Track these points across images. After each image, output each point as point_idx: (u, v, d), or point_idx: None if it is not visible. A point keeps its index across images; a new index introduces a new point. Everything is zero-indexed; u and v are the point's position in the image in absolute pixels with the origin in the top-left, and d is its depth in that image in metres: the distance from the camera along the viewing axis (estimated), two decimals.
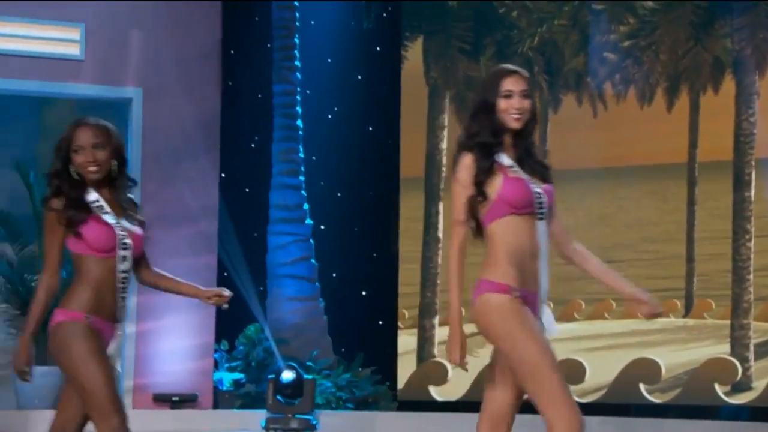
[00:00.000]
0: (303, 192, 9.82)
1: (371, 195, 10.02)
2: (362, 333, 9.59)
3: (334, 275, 9.90)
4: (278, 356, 8.45)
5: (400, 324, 9.84)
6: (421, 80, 10.07)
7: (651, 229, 9.31)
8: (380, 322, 9.89)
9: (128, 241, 4.12)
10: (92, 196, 4.13)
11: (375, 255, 9.97)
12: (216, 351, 8.72)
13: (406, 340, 9.78)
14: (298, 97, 9.77)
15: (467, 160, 3.99)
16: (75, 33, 8.51)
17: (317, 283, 9.29)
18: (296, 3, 9.81)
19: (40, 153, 9.05)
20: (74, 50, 8.50)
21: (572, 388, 9.06)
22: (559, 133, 9.57)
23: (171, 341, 8.38)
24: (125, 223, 4.16)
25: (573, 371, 9.13)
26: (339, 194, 10.05)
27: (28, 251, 8.68)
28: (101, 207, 4.12)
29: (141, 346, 8.33)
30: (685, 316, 9.05)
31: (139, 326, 8.32)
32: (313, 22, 10.07)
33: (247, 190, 9.56)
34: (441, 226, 9.92)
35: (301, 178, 9.81)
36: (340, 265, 9.90)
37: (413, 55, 10.14)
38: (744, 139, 8.91)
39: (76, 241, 4.07)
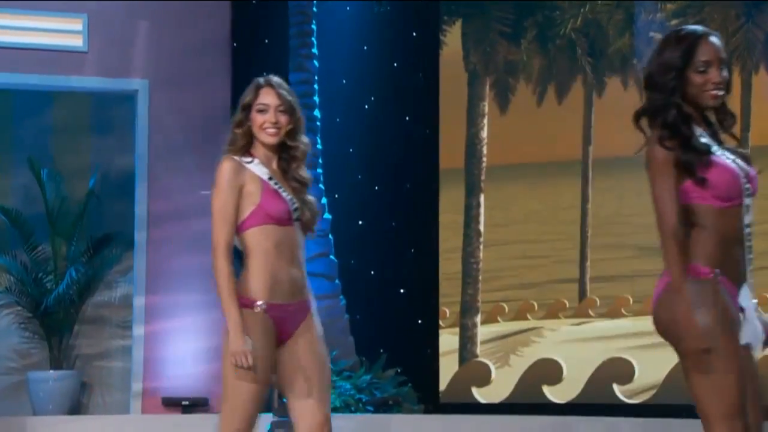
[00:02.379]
0: (321, 185, 9.69)
1: (409, 188, 9.89)
2: (394, 332, 9.46)
3: (372, 273, 9.78)
4: None
5: (441, 323, 9.70)
6: (460, 66, 9.95)
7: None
8: (419, 321, 9.75)
9: None
10: None
11: (413, 251, 9.84)
12: None
13: (448, 340, 9.66)
14: (316, 86, 9.65)
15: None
16: (77, 24, 8.49)
17: (337, 281, 9.18)
18: None
19: (53, 149, 9.04)
20: (77, 42, 8.50)
21: (620, 388, 8.97)
22: (604, 119, 9.41)
23: (182, 343, 8.33)
24: None
25: (621, 371, 9.01)
26: (376, 188, 9.93)
27: (41, 251, 8.67)
28: None
29: (150, 348, 8.29)
30: None
31: (148, 328, 8.27)
32: (348, 8, 9.93)
33: None
34: (482, 219, 9.78)
35: (319, 170, 9.69)
36: (376, 261, 9.79)
37: (452, 39, 10.02)
38: None
39: None
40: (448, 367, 9.59)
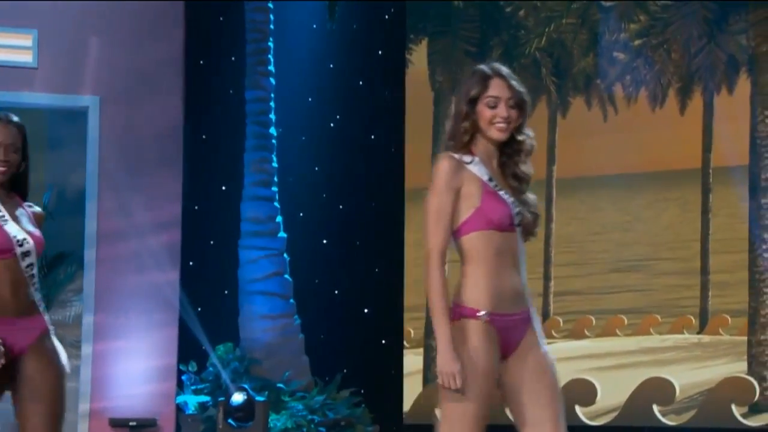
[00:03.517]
0: (276, 204, 9.71)
1: (374, 207, 9.90)
2: (355, 353, 9.49)
3: (336, 292, 9.81)
4: (226, 378, 8.42)
5: (405, 343, 9.74)
6: (426, 85, 10.00)
7: (665, 239, 9.16)
8: (383, 341, 9.77)
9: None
10: None
11: (378, 270, 9.85)
12: (183, 372, 8.67)
13: (412, 360, 9.69)
14: (272, 104, 9.67)
15: None
16: (27, 39, 8.46)
17: (292, 300, 9.23)
18: (270, 5, 9.73)
19: None
20: (27, 57, 8.46)
21: (583, 410, 9.02)
22: (567, 139, 9.48)
23: (130, 363, 8.31)
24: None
25: (584, 391, 9.04)
26: (341, 206, 9.95)
27: None
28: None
29: (98, 367, 8.26)
30: (700, 332, 8.88)
31: (96, 346, 8.26)
32: (314, 26, 9.98)
33: (214, 202, 9.53)
34: None
35: (274, 188, 9.72)
36: (340, 281, 9.81)
37: (418, 58, 10.08)
38: (761, 142, 8.72)
39: None
40: (412, 389, 9.61)
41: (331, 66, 10.07)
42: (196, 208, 9.26)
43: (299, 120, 9.92)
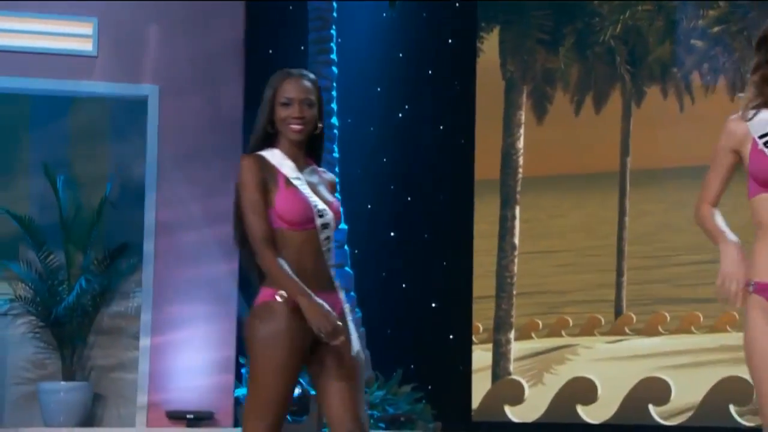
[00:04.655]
0: (337, 195, 9.60)
1: (443, 199, 9.88)
2: (423, 347, 9.44)
3: (403, 285, 9.76)
4: None
5: (474, 338, 9.67)
6: (497, 74, 9.96)
7: (744, 234, 8.94)
8: (451, 336, 9.71)
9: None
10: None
11: (446, 263, 9.81)
12: (243, 365, 8.66)
13: (481, 356, 9.65)
14: (334, 94, 9.67)
15: None
16: (88, 28, 8.49)
17: (353, 293, 9.20)
18: None
19: (70, 156, 9.08)
20: (87, 46, 8.48)
21: (656, 409, 8.85)
22: (642, 129, 9.38)
23: (188, 355, 8.32)
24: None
25: (657, 390, 8.96)
26: (409, 198, 9.92)
27: (54, 260, 8.71)
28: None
29: (156, 360, 8.29)
30: None
31: (155, 339, 8.27)
32: (384, 14, 9.94)
33: None
34: (517, 231, 9.74)
35: (337, 179, 9.63)
36: (408, 274, 9.76)
37: (489, 47, 10.03)
38: None
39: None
40: (480, 385, 9.59)
41: (401, 55, 10.07)
42: None
43: (366, 110, 9.94)
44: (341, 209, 4.09)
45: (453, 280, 9.72)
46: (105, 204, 8.76)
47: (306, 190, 3.95)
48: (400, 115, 10.01)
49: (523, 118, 9.81)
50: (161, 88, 8.43)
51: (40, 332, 8.63)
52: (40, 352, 8.69)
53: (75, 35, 8.41)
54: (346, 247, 9.49)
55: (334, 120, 9.66)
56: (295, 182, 3.93)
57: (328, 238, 3.99)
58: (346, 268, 9.45)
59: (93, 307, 8.68)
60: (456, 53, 10.02)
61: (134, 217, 8.55)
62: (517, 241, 9.73)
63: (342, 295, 4.05)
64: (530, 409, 9.39)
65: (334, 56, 9.63)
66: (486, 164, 9.85)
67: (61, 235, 8.65)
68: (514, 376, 9.55)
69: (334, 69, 9.67)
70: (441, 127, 9.97)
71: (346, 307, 4.03)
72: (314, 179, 4.04)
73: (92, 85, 8.37)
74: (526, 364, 9.52)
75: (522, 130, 9.81)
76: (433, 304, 9.74)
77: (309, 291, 3.80)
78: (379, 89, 9.97)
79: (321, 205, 3.96)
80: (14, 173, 9.06)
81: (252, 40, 9.02)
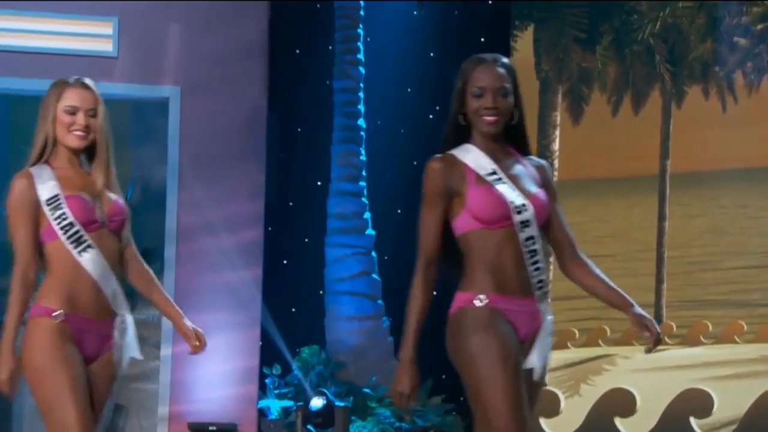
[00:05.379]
0: (364, 199, 9.70)
1: None
2: (447, 358, 9.31)
3: (434, 293, 9.62)
4: (305, 382, 8.32)
5: None
6: (532, 74, 9.89)
7: None
8: None
9: None
10: None
11: None
12: (267, 376, 8.63)
13: None
14: (361, 95, 9.65)
15: None
16: (107, 28, 8.45)
17: (380, 301, 9.16)
18: None
19: None
20: (106, 46, 8.45)
21: (698, 422, 8.72)
22: (683, 131, 9.29)
23: (211, 365, 8.27)
24: None
25: (699, 402, 8.85)
26: None
27: None
28: None
29: (177, 370, 8.27)
30: None
31: (176, 347, 8.19)
32: (415, 12, 9.86)
33: (299, 197, 9.50)
34: None
35: (362, 183, 9.69)
36: (438, 281, 9.61)
37: (523, 45, 10.01)
38: None
39: None
40: None
41: (431, 54, 10.02)
42: (280, 203, 9.26)
43: (396, 112, 9.91)
44: (547, 205, 3.83)
45: None
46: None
47: (502, 186, 3.76)
48: (431, 116, 9.89)
49: (558, 119, 9.74)
50: (183, 89, 8.42)
51: None
52: None
53: (94, 35, 8.41)
54: (373, 253, 9.48)
55: (362, 122, 9.64)
56: (489, 178, 3.75)
57: (530, 238, 3.79)
58: (374, 275, 9.45)
59: None
60: (489, 52, 9.88)
61: (155, 222, 8.50)
62: (549, 246, 9.63)
63: (544, 305, 3.91)
64: (566, 421, 9.31)
65: (361, 56, 9.61)
66: None
67: None
68: (549, 387, 9.31)
69: (362, 69, 9.65)
70: None
71: (548, 320, 3.90)
72: (518, 171, 3.83)
73: (112, 87, 8.34)
74: (562, 375, 9.43)
75: (557, 132, 9.73)
76: None
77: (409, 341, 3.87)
78: (409, 90, 9.94)
79: (519, 201, 3.75)
80: None
81: (276, 40, 8.99)
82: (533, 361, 3.79)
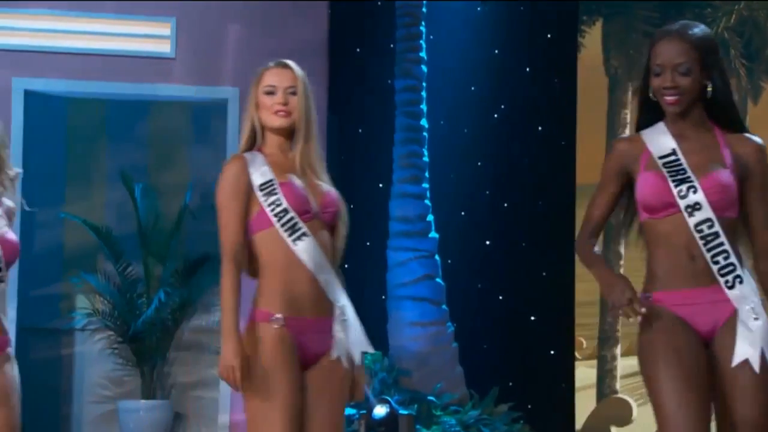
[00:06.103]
0: (427, 202, 9.64)
1: (542, 205, 9.80)
2: (519, 363, 9.28)
3: (500, 297, 9.61)
4: (368, 390, 8.23)
5: (577, 354, 9.57)
6: (600, 71, 9.81)
7: None
8: (552, 352, 9.59)
9: None
10: None
11: (545, 274, 9.65)
12: None
13: (584, 373, 9.54)
14: (423, 94, 9.60)
15: None
16: (165, 28, 8.45)
17: (444, 306, 9.09)
18: None
19: (149, 163, 9.04)
20: (164, 47, 8.45)
21: None
22: (760, 128, 8.95)
23: None
24: None
25: None
26: (505, 205, 9.80)
27: (132, 272, 8.64)
28: None
29: None
30: None
31: None
32: (478, 8, 9.85)
33: (361, 200, 9.46)
34: (622, 239, 9.46)
35: (425, 185, 9.62)
36: (504, 285, 9.60)
37: (591, 41, 9.91)
38: None
39: None
40: (584, 404, 9.45)
41: (496, 52, 10.00)
42: (345, 205, 9.13)
43: (459, 111, 9.84)
44: (726, 183, 3.53)
45: (553, 291, 9.54)
46: (185, 213, 8.75)
47: (673, 168, 3.54)
48: (496, 115, 9.86)
49: (628, 117, 9.64)
50: (241, 90, 8.33)
51: (118, 348, 8.64)
52: (118, 369, 8.70)
53: (152, 36, 8.42)
54: (437, 257, 9.41)
55: (424, 122, 9.60)
56: (661, 161, 3.55)
57: (703, 221, 3.46)
58: (437, 279, 9.37)
59: (173, 322, 8.65)
60: (555, 49, 9.87)
61: (215, 227, 8.42)
62: (622, 249, 9.53)
63: (739, 290, 3.50)
64: (639, 430, 9.22)
65: (423, 54, 9.56)
66: (588, 167, 9.60)
67: (139, 246, 8.61)
68: (621, 395, 9.41)
69: (424, 68, 9.60)
70: (540, 128, 9.81)
71: (745, 309, 3.50)
72: (703, 150, 3.60)
73: (170, 89, 8.41)
74: (633, 382, 9.29)
75: (627, 131, 9.58)
76: (532, 318, 9.61)
77: None
78: (473, 88, 9.86)
79: (686, 184, 3.51)
80: (91, 182, 9.07)
81: (337, 39, 8.98)
82: (742, 352, 3.44)
